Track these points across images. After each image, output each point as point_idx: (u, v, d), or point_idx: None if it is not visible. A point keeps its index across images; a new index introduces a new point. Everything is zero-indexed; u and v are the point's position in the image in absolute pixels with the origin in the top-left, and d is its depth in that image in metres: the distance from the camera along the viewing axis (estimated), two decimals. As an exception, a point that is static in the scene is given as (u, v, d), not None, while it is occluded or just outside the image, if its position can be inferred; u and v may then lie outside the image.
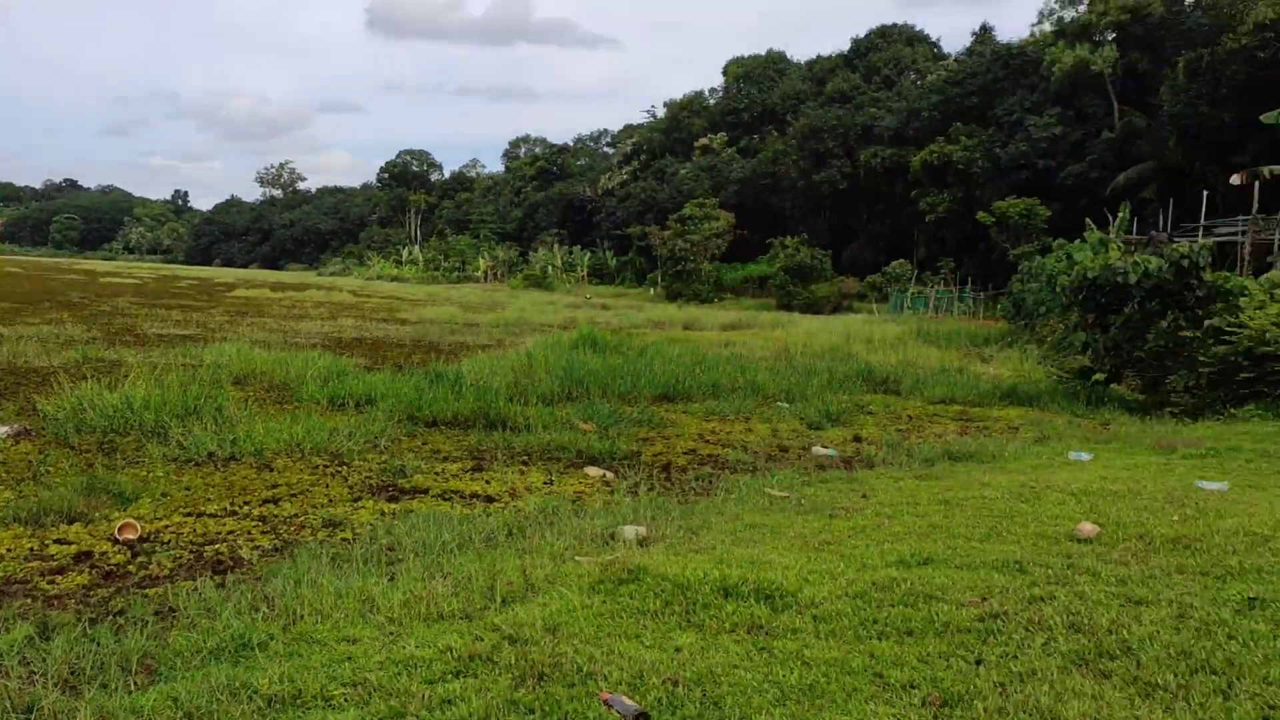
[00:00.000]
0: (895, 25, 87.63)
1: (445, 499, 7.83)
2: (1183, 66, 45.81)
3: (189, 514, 7.01)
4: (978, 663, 3.75)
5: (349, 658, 3.86)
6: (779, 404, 14.38)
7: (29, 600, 4.95)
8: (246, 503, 7.46)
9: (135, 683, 3.73)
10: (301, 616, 4.45)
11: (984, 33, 76.80)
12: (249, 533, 6.58)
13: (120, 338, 20.05)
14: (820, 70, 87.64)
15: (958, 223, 55.59)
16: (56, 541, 6.11)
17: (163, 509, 7.08)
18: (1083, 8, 57.20)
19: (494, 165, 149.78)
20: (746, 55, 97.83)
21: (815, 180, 65.93)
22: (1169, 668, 3.69)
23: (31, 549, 5.93)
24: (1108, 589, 4.70)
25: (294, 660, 3.84)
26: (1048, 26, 61.40)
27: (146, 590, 5.15)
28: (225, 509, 7.22)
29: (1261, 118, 30.99)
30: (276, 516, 7.06)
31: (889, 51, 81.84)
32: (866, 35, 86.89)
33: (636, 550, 5.50)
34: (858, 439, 11.65)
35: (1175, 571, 5.00)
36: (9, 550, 5.87)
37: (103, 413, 10.09)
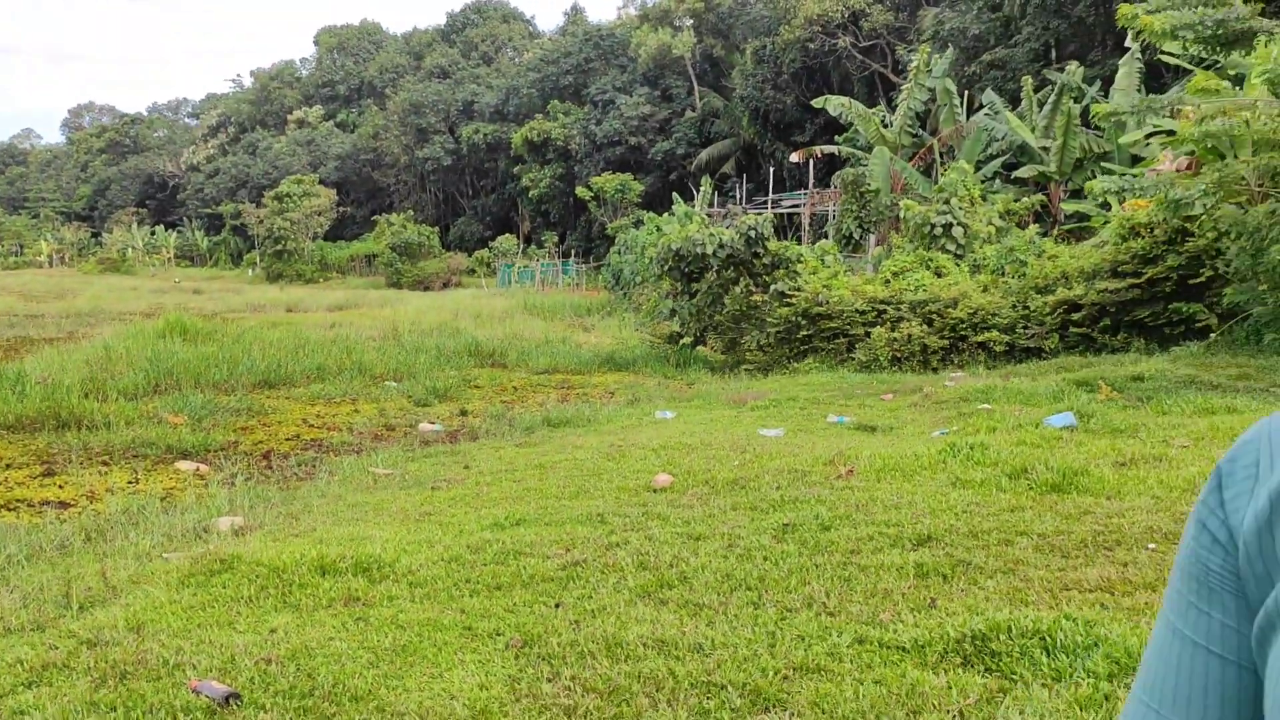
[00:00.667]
0: (490, 2, 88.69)
1: (10, 509, 7.16)
2: (750, 54, 50.61)
3: None
4: (557, 606, 4.15)
5: (-105, 689, 3.53)
6: (387, 383, 14.37)
7: None
8: None
9: None
10: None
11: (575, 13, 79.84)
12: None
13: None
14: (418, 44, 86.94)
15: (560, 197, 57.76)
16: None
17: None
18: (663, -8, 61.27)
19: (53, 137, 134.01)
20: (339, 25, 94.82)
21: (419, 156, 65.55)
22: (714, 589, 4.29)
23: None
24: (674, 530, 5.31)
25: None
26: (633, 10, 65.17)
27: None
28: None
29: (813, 102, 34.91)
30: None
31: (485, 28, 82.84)
32: (462, 10, 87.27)
33: (231, 540, 5.40)
34: (464, 413, 11.97)
35: (730, 509, 5.75)
36: None
37: None
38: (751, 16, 56.09)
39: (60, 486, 7.90)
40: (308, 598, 4.26)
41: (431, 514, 5.98)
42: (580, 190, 50.32)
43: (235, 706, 3.21)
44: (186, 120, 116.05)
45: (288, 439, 10.21)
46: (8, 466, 8.67)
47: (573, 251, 54.04)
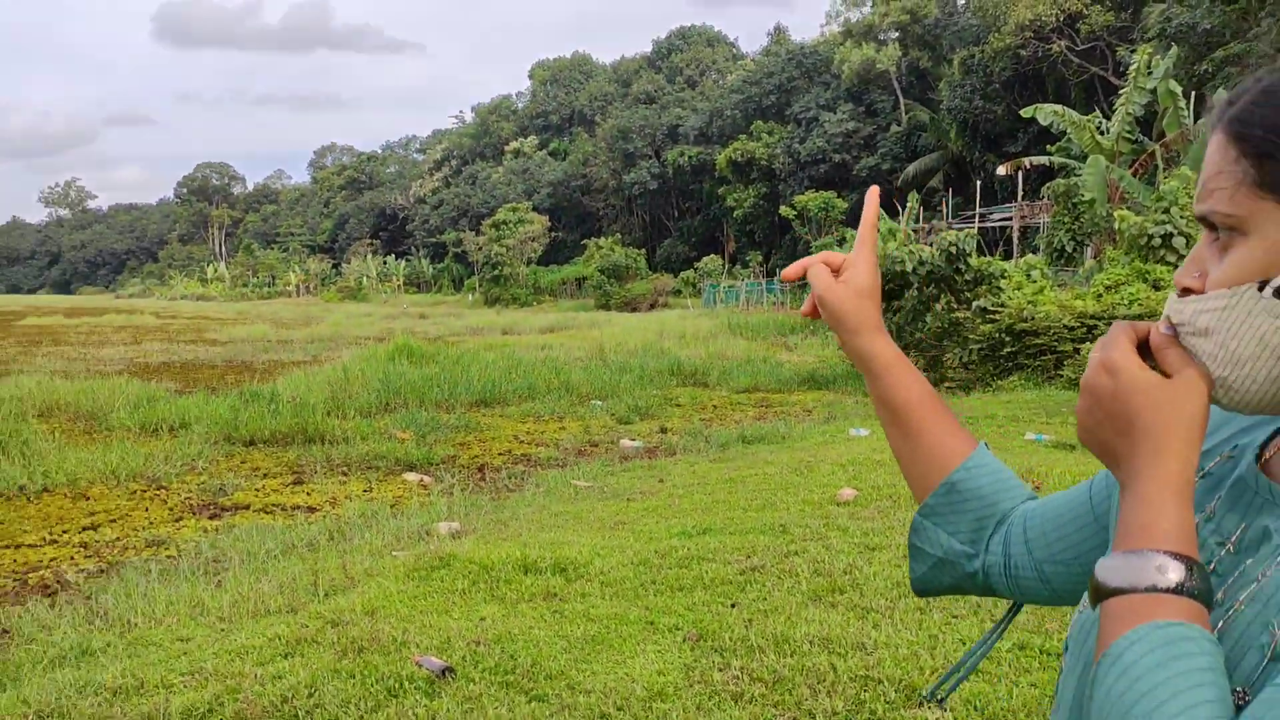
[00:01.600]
0: (695, 26, 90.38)
1: (267, 512, 8.15)
2: (958, 64, 49.49)
3: (7, 546, 7.12)
4: (733, 605, 4.52)
5: (185, 652, 4.30)
6: (593, 402, 15.11)
7: None
8: (65, 531, 7.59)
9: (-17, 692, 4.06)
10: (136, 624, 4.82)
11: (778, 34, 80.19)
12: (71, 558, 6.77)
13: (-99, 376, 18.98)
14: (625, 72, 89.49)
15: (764, 217, 58.12)
16: None
17: (-23, 544, 7.17)
18: (867, 9, 60.69)
19: (300, 176, 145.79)
20: (552, 58, 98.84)
21: (627, 180, 67.47)
22: (884, 595, 4.55)
23: None
24: (852, 540, 5.58)
25: (134, 659, 4.24)
26: (835, 27, 64.84)
27: (-24, 617, 5.38)
28: (44, 538, 7.35)
29: (1021, 112, 33.82)
30: (98, 541, 7.25)
31: (690, 52, 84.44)
32: (668, 36, 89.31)
33: (449, 542, 6.07)
34: (663, 430, 12.49)
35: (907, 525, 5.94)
36: None
37: (-105, 455, 9.85)
38: (959, 26, 54.79)
39: (308, 493, 8.91)
40: (512, 592, 4.81)
41: (625, 523, 6.47)
42: (784, 209, 50.44)
43: (450, 678, 3.76)
44: (415, 155, 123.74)
45: (500, 454, 11.01)
46: (264, 475, 9.81)
47: (777, 271, 54.19)
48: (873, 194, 1.16)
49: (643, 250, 59.20)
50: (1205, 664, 0.70)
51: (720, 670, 3.77)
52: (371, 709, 3.53)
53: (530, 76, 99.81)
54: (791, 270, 1.15)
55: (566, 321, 38.51)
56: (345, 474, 9.84)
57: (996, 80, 46.55)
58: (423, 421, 12.58)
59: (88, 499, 8.78)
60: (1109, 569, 0.77)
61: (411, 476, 9.55)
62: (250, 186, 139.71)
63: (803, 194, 50.83)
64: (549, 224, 65.59)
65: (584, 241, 62.86)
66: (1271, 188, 0.78)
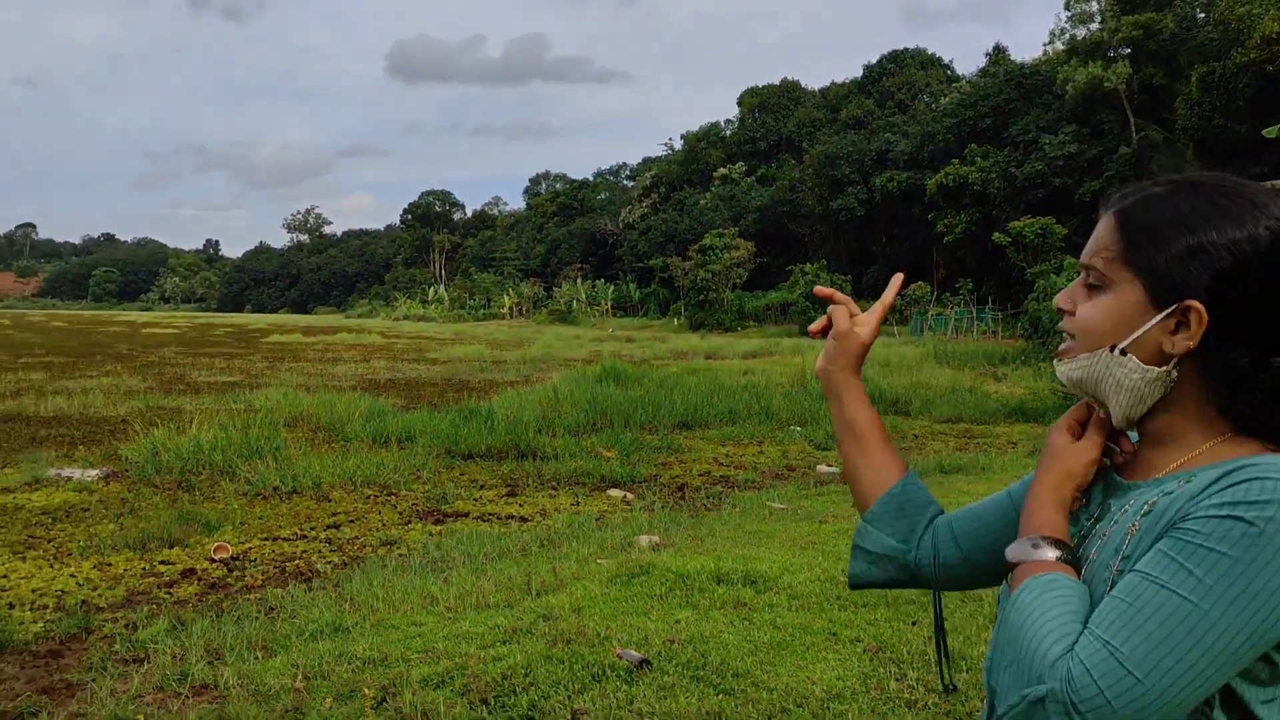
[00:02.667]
0: (907, 50, 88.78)
1: (484, 520, 8.88)
2: (1195, 81, 46.67)
3: (266, 538, 8.11)
4: (913, 623, 4.75)
5: (419, 634, 4.92)
6: (792, 428, 15.35)
7: (155, 605, 6.06)
8: (313, 528, 8.54)
9: (259, 655, 4.80)
10: (377, 609, 5.51)
11: (998, 53, 77.79)
12: (319, 551, 7.66)
13: (174, 386, 21.33)
14: (834, 97, 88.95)
15: (975, 243, 56.42)
16: (162, 563, 7.22)
17: (243, 535, 8.19)
18: (1095, 26, 58.15)
19: (516, 202, 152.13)
20: (761, 85, 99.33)
21: (833, 206, 67.03)
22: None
23: (144, 568, 7.04)
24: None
25: (378, 637, 4.90)
26: (1060, 45, 62.32)
27: (247, 595, 6.25)
28: (295, 534, 8.31)
29: (1264, 132, 31.72)
30: (340, 538, 8.15)
31: (902, 76, 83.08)
32: (879, 60, 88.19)
33: (649, 553, 6.53)
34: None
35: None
36: (126, 570, 6.98)
37: (177, 455, 11.24)
38: (1198, 40, 51.69)
39: (520, 504, 9.61)
40: (705, 599, 5.20)
41: (815, 543, 6.75)
42: (997, 236, 48.91)
43: (646, 670, 4.19)
44: (625, 182, 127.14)
45: (699, 474, 11.45)
46: (481, 487, 10.62)
47: (989, 298, 52.53)
48: (896, 280, 1.66)
49: (849, 276, 58.68)
50: (1068, 594, 1.10)
51: (896, 680, 4.03)
52: (578, 690, 4.01)
53: (739, 104, 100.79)
54: (825, 292, 1.63)
55: (770, 347, 38.73)
56: (555, 488, 10.51)
57: (1239, 97, 43.67)
58: (627, 441, 13.19)
59: (330, 500, 9.79)
60: (1012, 550, 1.20)
61: (616, 493, 10.11)
62: (469, 213, 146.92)
63: (1018, 220, 49.14)
64: (754, 249, 65.99)
65: (789, 267, 62.90)
66: (1134, 267, 1.18)
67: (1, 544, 7.80)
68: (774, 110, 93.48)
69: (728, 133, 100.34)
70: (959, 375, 25.22)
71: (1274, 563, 1.00)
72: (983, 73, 73.84)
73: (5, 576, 6.85)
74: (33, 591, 6.50)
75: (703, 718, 3.73)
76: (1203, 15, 54.40)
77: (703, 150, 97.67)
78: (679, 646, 4.43)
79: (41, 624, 5.72)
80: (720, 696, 3.90)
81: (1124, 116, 54.38)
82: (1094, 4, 57.63)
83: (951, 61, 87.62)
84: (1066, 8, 58.95)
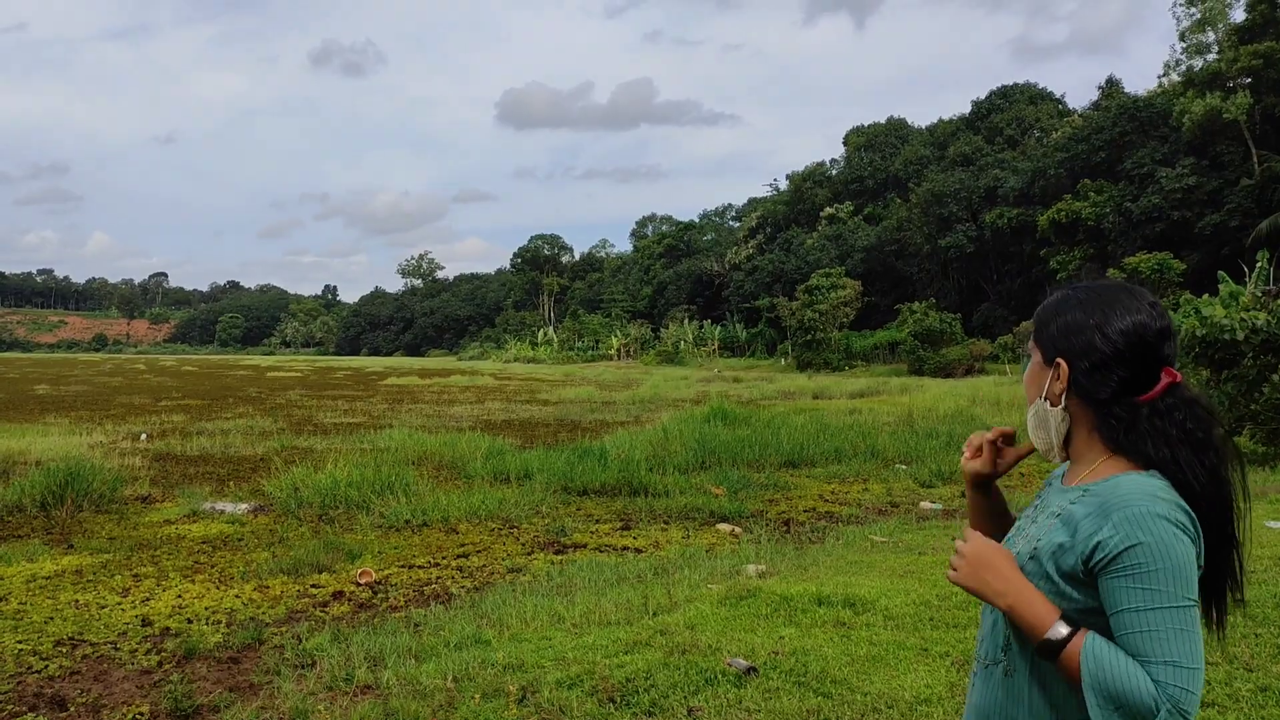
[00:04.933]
0: (1017, 85, 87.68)
1: (601, 551, 9.48)
2: (1320, 109, 45.22)
3: (403, 565, 8.85)
4: (1001, 643, 5.15)
5: (550, 646, 5.52)
6: (897, 466, 15.61)
7: (314, 621, 6.82)
8: (444, 557, 9.26)
9: (412, 662, 5.47)
10: (510, 625, 6.14)
11: (1110, 86, 76.41)
12: (452, 577, 8.36)
13: (304, 428, 22.63)
14: (942, 134, 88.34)
15: (1090, 279, 55.28)
16: (314, 586, 8.01)
17: (382, 562, 8.96)
18: (1212, 57, 56.81)
19: (623, 244, 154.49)
20: (866, 124, 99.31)
21: (941, 244, 66.51)
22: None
23: (298, 591, 7.84)
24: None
25: (513, 647, 5.52)
26: (1175, 77, 60.94)
27: (393, 613, 6.96)
28: (429, 562, 9.05)
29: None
30: (470, 566, 8.84)
31: (1011, 111, 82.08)
32: (988, 96, 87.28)
33: (755, 580, 7.02)
34: (964, 495, 12.81)
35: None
36: (283, 592, 7.79)
37: (316, 490, 12.17)
38: (1321, 67, 50.08)
39: (634, 537, 10.19)
40: (807, 619, 5.68)
41: (914, 572, 7.14)
42: (1113, 271, 47.88)
43: (753, 677, 4.70)
44: (730, 223, 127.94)
45: (805, 510, 11.87)
46: (597, 521, 11.24)
47: (1105, 335, 51.32)
48: (1014, 446, 2.15)
49: (958, 315, 58.04)
50: (1108, 646, 1.65)
51: (981, 691, 4.46)
52: (693, 692, 4.54)
53: (845, 143, 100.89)
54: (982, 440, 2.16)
55: (877, 386, 38.69)
56: (666, 523, 11.06)
57: (1364, 125, 42.16)
58: (735, 479, 13.68)
59: (457, 533, 10.52)
60: (1049, 635, 1.69)
61: (724, 527, 10.61)
62: (577, 255, 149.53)
63: (1134, 255, 48.11)
64: (861, 289, 65.84)
65: (897, 306, 62.53)
66: (1037, 343, 1.93)
67: (172, 568, 8.72)
68: (880, 149, 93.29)
69: (834, 172, 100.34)
70: (1071, 414, 24.94)
71: (1169, 554, 1.65)
72: (1095, 106, 72.64)
73: (180, 597, 7.71)
74: (206, 609, 7.33)
75: (803, 716, 4.22)
76: (1329, 41, 52.64)
77: (809, 190, 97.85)
78: (782, 658, 4.92)
79: (220, 635, 6.51)
80: (819, 699, 4.38)
81: (1245, 147, 52.86)
82: (1211, 35, 56.36)
83: (1063, 95, 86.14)
84: (1181, 39, 57.79)
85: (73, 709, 5.18)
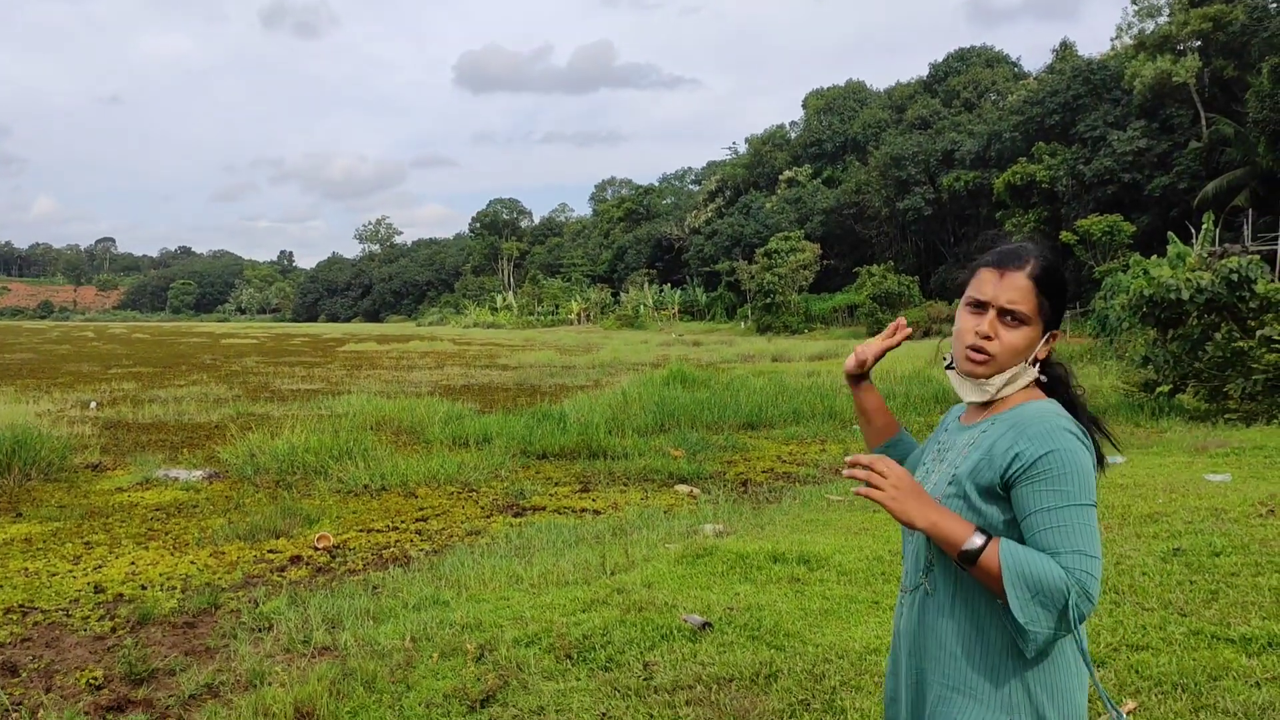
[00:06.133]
0: (973, 48, 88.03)
1: (560, 513, 9.51)
2: (1267, 72, 45.79)
3: (361, 530, 8.84)
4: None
5: (508, 605, 5.55)
6: (854, 427, 15.78)
7: (271, 586, 6.80)
8: (403, 521, 9.26)
9: (370, 623, 5.48)
10: (469, 586, 6.16)
11: (1064, 49, 76.85)
12: (411, 541, 8.36)
13: (260, 394, 22.40)
14: (900, 98, 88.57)
15: (1044, 241, 55.85)
16: (271, 551, 7.97)
17: (340, 527, 8.93)
18: (1163, 20, 57.29)
19: (582, 209, 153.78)
20: (826, 87, 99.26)
21: (899, 207, 66.88)
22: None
23: (255, 556, 7.81)
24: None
25: (472, 608, 5.54)
26: (1128, 40, 61.42)
27: (351, 577, 6.96)
28: (388, 526, 9.03)
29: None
30: (429, 530, 8.84)
31: (968, 75, 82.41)
32: (945, 59, 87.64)
33: (712, 539, 7.09)
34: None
35: (1134, 536, 6.39)
36: (240, 557, 7.75)
37: (273, 456, 12.09)
38: (1270, 31, 50.69)
39: (593, 499, 10.24)
40: (762, 576, 5.76)
41: (869, 529, 7.25)
42: (1065, 234, 48.52)
43: (708, 632, 4.76)
44: (690, 187, 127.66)
45: (763, 471, 11.98)
46: (556, 484, 11.27)
47: (1059, 296, 52.03)
48: (899, 328, 2.37)
49: (916, 277, 58.52)
50: (1021, 548, 1.83)
51: (931, 642, 4.56)
52: (649, 647, 4.60)
53: (804, 106, 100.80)
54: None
55: (836, 349, 38.98)
56: (625, 485, 11.12)
57: (1312, 88, 42.80)
58: (694, 441, 13.76)
59: (416, 497, 10.51)
60: (968, 545, 1.84)
61: (682, 488, 10.69)
62: (536, 220, 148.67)
63: (1086, 218, 48.68)
64: (821, 252, 66.12)
65: (856, 269, 62.89)
66: (1040, 312, 1.99)
67: (125, 535, 8.64)
68: (839, 112, 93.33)
69: (793, 135, 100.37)
70: (1024, 374, 25.32)
71: (1076, 460, 1.86)
72: (1050, 69, 73.02)
73: (133, 564, 7.65)
74: (160, 575, 7.28)
75: (756, 667, 4.29)
76: (1274, 5, 53.28)
77: (768, 153, 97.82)
78: (737, 613, 4.99)
79: (175, 601, 6.48)
80: (772, 651, 4.45)
81: (1194, 110, 53.53)
82: (1162, -3, 56.78)
83: (1019, 59, 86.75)
84: (1133, 1, 58.19)
85: (25, 674, 5.14)
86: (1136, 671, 3.96)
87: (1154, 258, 32.90)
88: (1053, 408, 1.92)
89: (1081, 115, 58.53)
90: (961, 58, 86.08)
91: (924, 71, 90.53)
